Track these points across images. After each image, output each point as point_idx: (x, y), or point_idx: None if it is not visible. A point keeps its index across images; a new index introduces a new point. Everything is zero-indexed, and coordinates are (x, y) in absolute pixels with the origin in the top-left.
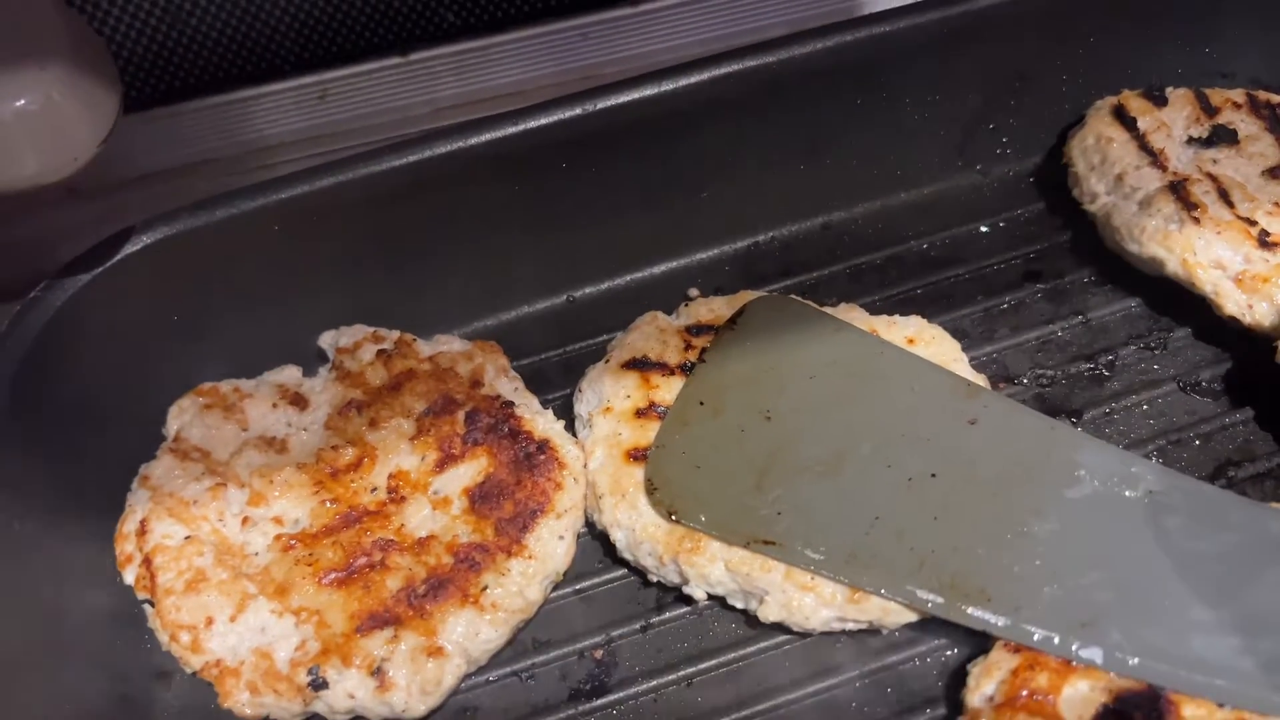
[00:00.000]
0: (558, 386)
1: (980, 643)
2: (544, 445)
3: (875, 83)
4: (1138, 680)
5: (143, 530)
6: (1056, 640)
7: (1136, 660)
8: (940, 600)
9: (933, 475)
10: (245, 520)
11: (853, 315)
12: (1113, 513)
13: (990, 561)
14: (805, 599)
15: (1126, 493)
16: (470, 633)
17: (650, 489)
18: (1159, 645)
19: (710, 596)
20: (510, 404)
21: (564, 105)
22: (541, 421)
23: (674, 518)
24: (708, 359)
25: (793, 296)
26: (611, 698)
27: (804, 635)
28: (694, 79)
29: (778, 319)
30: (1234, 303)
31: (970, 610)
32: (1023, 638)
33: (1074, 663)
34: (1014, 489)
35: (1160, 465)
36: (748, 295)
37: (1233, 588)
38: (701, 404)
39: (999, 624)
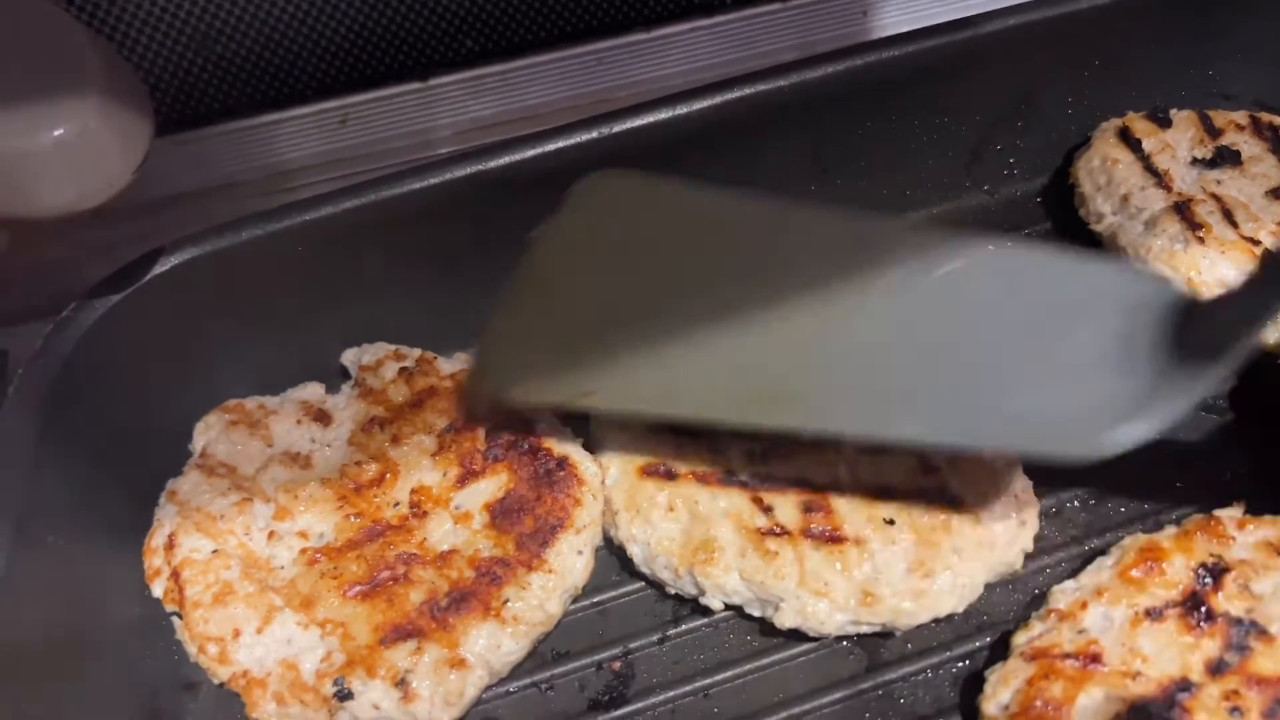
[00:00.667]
0: None
1: (995, 653)
2: (563, 462)
3: (884, 105)
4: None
5: (171, 544)
6: (872, 423)
7: (951, 428)
8: (756, 410)
9: (755, 299)
10: (271, 534)
11: None
12: (926, 291)
13: (805, 362)
14: (819, 604)
15: (938, 270)
16: (492, 645)
17: (476, 377)
18: (971, 408)
19: (727, 606)
20: (529, 420)
21: (581, 129)
22: (560, 438)
23: (500, 394)
24: (535, 243)
25: (624, 172)
26: (629, 709)
27: (819, 643)
28: (706, 103)
29: (606, 195)
30: None
31: (787, 413)
32: (841, 424)
33: (886, 441)
34: (824, 287)
35: (973, 237)
36: None
37: (1046, 343)
38: (529, 285)
39: (816, 420)
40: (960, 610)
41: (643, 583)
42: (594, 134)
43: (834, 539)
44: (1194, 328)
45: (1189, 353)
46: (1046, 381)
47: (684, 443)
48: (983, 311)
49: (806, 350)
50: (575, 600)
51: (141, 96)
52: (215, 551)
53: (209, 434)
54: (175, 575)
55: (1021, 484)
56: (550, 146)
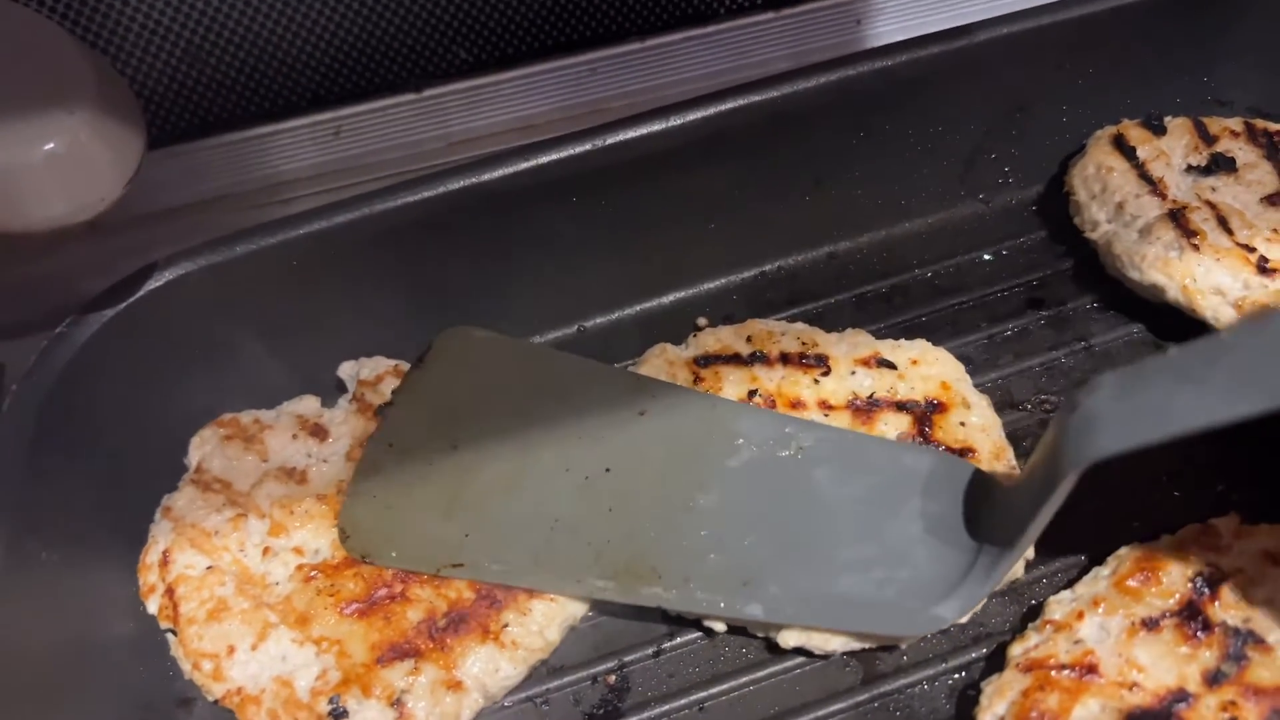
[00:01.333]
0: None
1: (992, 664)
2: None
3: (878, 115)
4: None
5: (165, 561)
6: (722, 603)
7: (791, 609)
8: (614, 585)
9: (607, 470)
10: (266, 550)
11: (859, 339)
12: (770, 474)
13: (660, 541)
14: None
15: (781, 453)
16: (490, 669)
17: (343, 537)
18: (810, 590)
19: (731, 628)
20: None
21: (574, 141)
22: None
23: (367, 559)
24: (396, 400)
25: (476, 329)
26: None
27: (815, 659)
28: (700, 114)
29: (459, 349)
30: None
31: (643, 590)
32: (692, 606)
33: (739, 620)
34: (680, 469)
35: (813, 421)
36: (756, 325)
37: (875, 524)
38: (390, 445)
39: (669, 597)
40: (963, 621)
41: None
42: (588, 146)
43: None
44: (992, 511)
45: (989, 536)
46: (874, 563)
47: None
48: (819, 493)
49: (654, 525)
50: (574, 627)
51: (134, 110)
52: (210, 568)
53: (204, 449)
54: (170, 592)
55: None
56: (545, 159)
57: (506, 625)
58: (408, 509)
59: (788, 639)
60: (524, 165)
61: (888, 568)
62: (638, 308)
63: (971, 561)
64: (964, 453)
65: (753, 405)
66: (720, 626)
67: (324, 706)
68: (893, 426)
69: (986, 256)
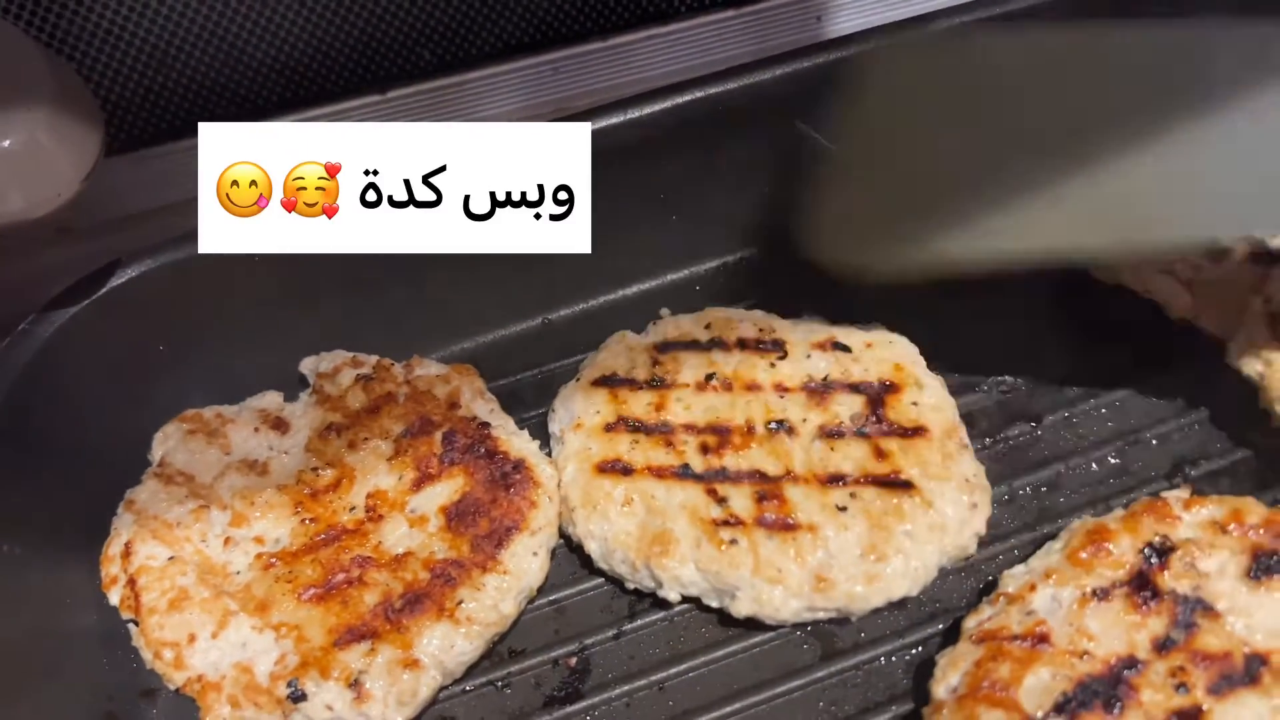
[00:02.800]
0: (534, 406)
1: (948, 638)
2: (519, 464)
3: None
4: None
5: (127, 552)
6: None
7: None
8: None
9: (1094, 127)
10: (227, 540)
11: (815, 325)
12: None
13: (1161, 184)
14: (774, 591)
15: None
16: (445, 645)
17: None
18: None
19: (685, 598)
20: (486, 425)
21: None
22: (517, 441)
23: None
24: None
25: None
26: (585, 703)
27: (774, 634)
28: (660, 106)
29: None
30: (1185, 308)
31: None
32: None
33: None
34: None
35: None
36: (715, 312)
37: None
38: (854, 156)
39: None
40: (914, 593)
41: (600, 580)
42: None
43: (787, 527)
44: None
45: None
46: None
47: (639, 439)
48: None
49: (1159, 172)
50: (531, 600)
51: (91, 108)
52: (172, 558)
53: (167, 443)
54: (131, 583)
55: (973, 468)
56: None
57: (461, 602)
58: (883, 213)
59: (740, 609)
60: None
61: None
62: (602, 299)
63: None
64: (916, 431)
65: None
66: (675, 597)
67: (283, 690)
68: (847, 408)
69: None
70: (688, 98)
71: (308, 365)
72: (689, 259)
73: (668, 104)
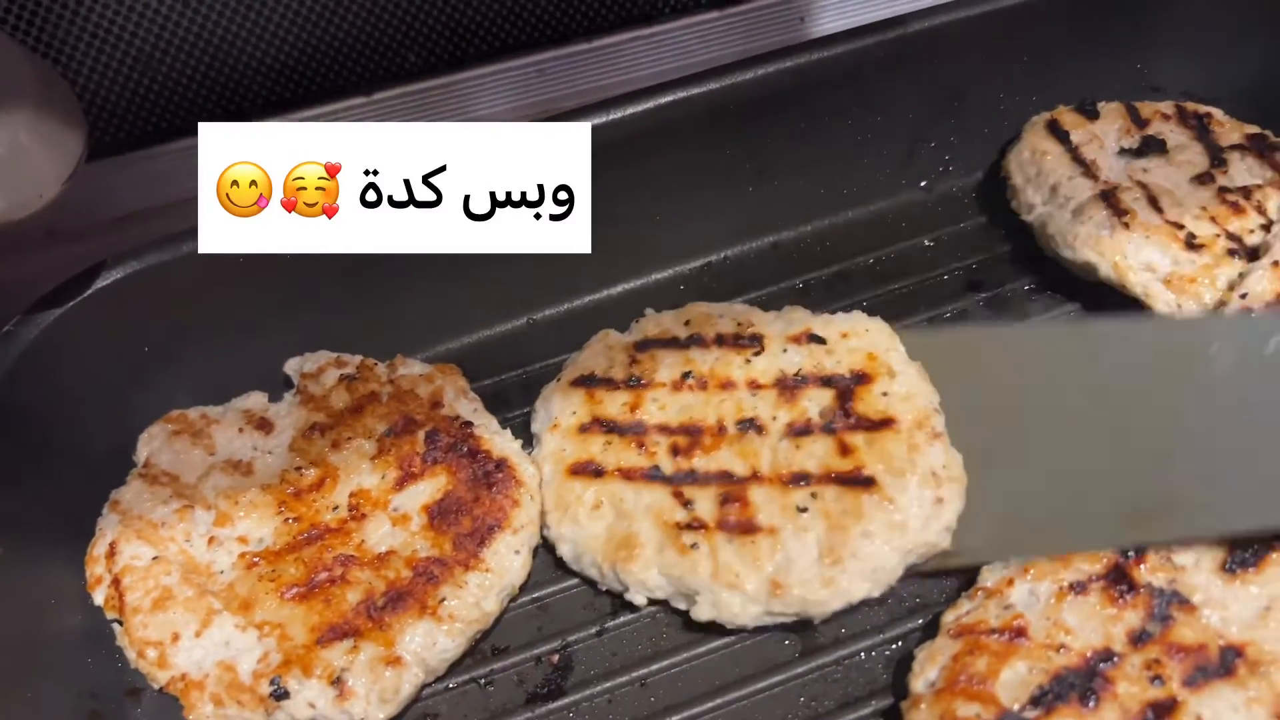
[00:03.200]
0: (517, 406)
1: (928, 633)
2: (501, 464)
3: (818, 106)
4: None
5: (112, 552)
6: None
7: None
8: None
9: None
10: (211, 540)
11: (795, 315)
12: (1261, 373)
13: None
14: (732, 597)
15: (1267, 349)
16: (428, 643)
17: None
18: None
19: (652, 601)
20: (469, 424)
21: None
22: (500, 441)
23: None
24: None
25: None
26: (567, 700)
27: (754, 631)
28: (645, 106)
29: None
30: (1164, 302)
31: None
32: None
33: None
34: (1166, 396)
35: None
36: (696, 308)
37: None
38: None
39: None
40: (876, 595)
41: (581, 579)
42: None
43: (747, 530)
44: None
45: None
46: None
47: (612, 440)
48: None
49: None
50: (514, 598)
51: (73, 109)
52: (156, 558)
53: (152, 444)
54: (116, 582)
55: (943, 459)
56: None
57: (443, 600)
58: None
59: (700, 613)
60: None
61: None
62: (587, 299)
63: None
64: (883, 424)
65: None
66: (642, 600)
67: (266, 688)
68: (816, 403)
69: (928, 242)
70: (672, 98)
71: (292, 366)
72: (673, 258)
73: (653, 104)
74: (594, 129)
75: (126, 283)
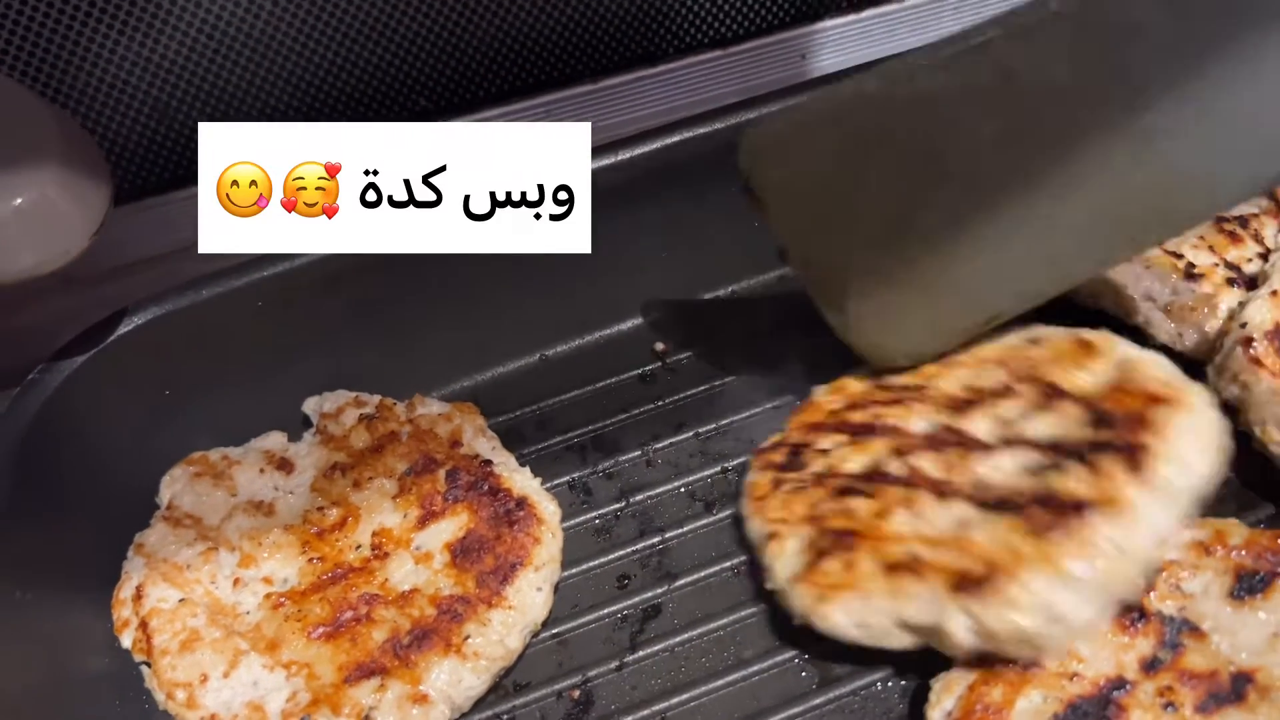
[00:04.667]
0: (533, 442)
1: (944, 663)
2: (522, 502)
3: None
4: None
5: (138, 595)
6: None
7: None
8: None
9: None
10: (236, 581)
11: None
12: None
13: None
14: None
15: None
16: (454, 680)
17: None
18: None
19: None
20: (489, 462)
21: None
22: (519, 479)
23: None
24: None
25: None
26: None
27: (772, 663)
28: (653, 146)
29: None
30: (1165, 332)
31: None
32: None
33: None
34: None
35: None
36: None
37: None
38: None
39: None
40: None
41: (602, 612)
42: None
43: None
44: None
45: None
46: None
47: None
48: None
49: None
50: (535, 634)
51: (99, 164)
52: (182, 600)
53: (174, 486)
54: (143, 625)
55: None
56: None
57: (468, 637)
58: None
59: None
60: None
61: None
62: (597, 335)
63: None
64: None
65: None
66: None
67: None
68: None
69: None
70: (679, 137)
71: (311, 406)
72: (684, 291)
73: (660, 144)
74: (604, 169)
75: (147, 328)
